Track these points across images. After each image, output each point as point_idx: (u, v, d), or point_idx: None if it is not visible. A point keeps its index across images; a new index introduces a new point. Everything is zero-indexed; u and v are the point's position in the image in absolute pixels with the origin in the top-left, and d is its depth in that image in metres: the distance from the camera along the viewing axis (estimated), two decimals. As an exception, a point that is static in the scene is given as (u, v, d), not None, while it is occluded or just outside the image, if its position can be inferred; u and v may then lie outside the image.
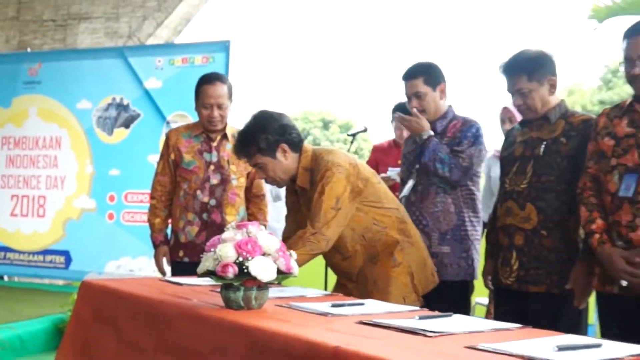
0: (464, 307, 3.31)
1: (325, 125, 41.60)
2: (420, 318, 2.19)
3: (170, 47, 7.80)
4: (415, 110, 3.42)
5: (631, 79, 2.70)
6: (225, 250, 2.32)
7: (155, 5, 8.55)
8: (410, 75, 3.48)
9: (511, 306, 3.01)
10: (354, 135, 5.22)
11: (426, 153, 3.34)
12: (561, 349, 1.72)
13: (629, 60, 2.67)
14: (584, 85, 34.52)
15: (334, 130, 40.81)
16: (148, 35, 8.55)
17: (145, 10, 8.59)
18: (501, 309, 3.11)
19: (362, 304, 2.52)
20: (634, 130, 2.65)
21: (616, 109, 2.82)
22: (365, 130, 5.45)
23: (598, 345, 1.80)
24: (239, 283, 2.31)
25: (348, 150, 4.73)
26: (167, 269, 3.95)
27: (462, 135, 3.39)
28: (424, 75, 3.45)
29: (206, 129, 3.87)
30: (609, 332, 2.65)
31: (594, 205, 2.75)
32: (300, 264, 2.67)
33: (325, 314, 2.27)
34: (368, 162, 4.75)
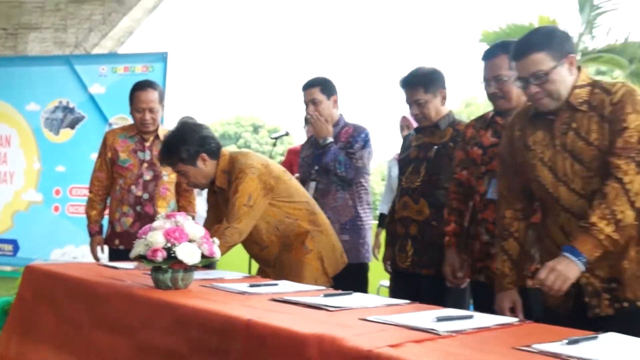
0: (363, 285, 3.43)
1: (256, 129, 41.45)
2: (325, 296, 2.24)
3: (113, 57, 7.70)
4: (317, 114, 3.55)
5: (490, 97, 2.79)
6: (155, 237, 2.33)
7: (101, 18, 8.41)
8: (308, 85, 3.65)
9: (406, 287, 3.08)
10: (276, 138, 5.26)
11: (328, 155, 3.49)
12: (440, 319, 1.80)
13: (486, 81, 2.74)
14: (479, 98, 35.36)
15: (264, 134, 40.71)
16: (93, 45, 8.40)
17: (91, 22, 8.44)
18: (397, 289, 3.19)
19: (276, 284, 2.56)
20: (497, 140, 2.70)
21: (480, 120, 2.89)
22: (287, 134, 5.48)
23: (471, 317, 1.89)
24: (167, 266, 2.32)
25: (272, 152, 4.77)
26: (102, 256, 3.92)
27: (353, 140, 3.56)
28: (320, 85, 3.62)
29: (140, 130, 3.86)
30: (481, 311, 2.75)
31: (454, 210, 2.86)
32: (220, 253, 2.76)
33: (242, 293, 2.30)
34: (283, 163, 4.81)
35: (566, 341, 1.55)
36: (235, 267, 3.39)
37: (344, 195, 3.54)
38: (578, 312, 2.19)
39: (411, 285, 3.06)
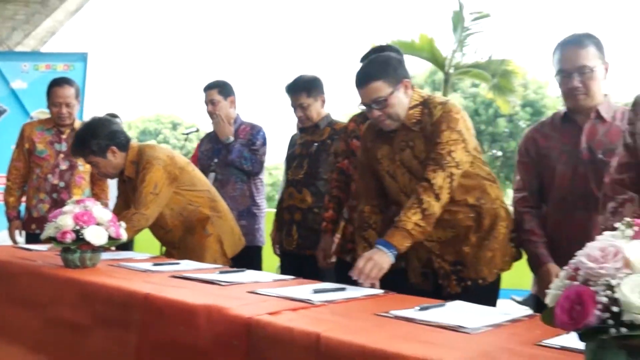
0: (258, 265, 3.47)
1: (174, 126, 40.44)
2: (220, 272, 2.26)
3: (35, 55, 7.35)
4: (219, 117, 3.60)
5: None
6: (64, 220, 2.28)
7: (24, 18, 8.01)
8: (208, 87, 3.69)
9: (293, 266, 3.14)
10: (187, 134, 5.20)
11: (233, 153, 3.53)
12: (316, 291, 1.86)
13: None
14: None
15: (182, 131, 39.90)
16: (17, 44, 8.00)
17: (14, 22, 8.02)
18: (286, 268, 3.24)
19: (178, 263, 2.55)
20: None
21: (361, 116, 2.89)
22: (197, 131, 5.43)
23: (343, 289, 1.96)
24: (76, 247, 2.27)
25: (183, 147, 4.70)
26: (20, 240, 3.77)
27: (254, 137, 3.60)
28: (218, 87, 3.67)
29: (57, 123, 3.75)
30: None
31: (334, 197, 2.89)
32: (128, 237, 2.70)
33: (145, 271, 2.28)
34: (193, 157, 4.77)
35: (418, 308, 1.64)
36: (150, 249, 3.33)
37: (242, 186, 3.58)
38: (437, 291, 2.29)
39: (297, 264, 3.11)
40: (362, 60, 2.72)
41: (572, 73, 2.11)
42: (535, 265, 2.24)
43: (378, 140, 2.33)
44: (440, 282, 2.30)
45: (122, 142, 2.94)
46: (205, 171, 3.60)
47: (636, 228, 1.02)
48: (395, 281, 2.43)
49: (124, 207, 3.01)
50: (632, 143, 1.73)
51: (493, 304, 2.25)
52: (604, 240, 1.02)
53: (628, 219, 1.04)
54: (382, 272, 2.01)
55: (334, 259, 2.90)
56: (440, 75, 13.74)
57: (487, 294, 2.25)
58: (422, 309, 1.64)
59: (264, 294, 1.83)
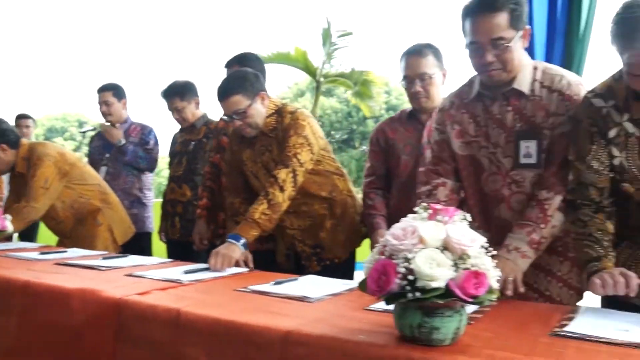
0: (148, 249, 3.37)
1: (81, 124, 38.19)
2: (103, 258, 2.17)
3: None
4: (108, 123, 3.46)
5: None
6: (-52, 214, 2.09)
7: None
8: (103, 89, 3.51)
9: (177, 252, 3.04)
10: (84, 132, 4.91)
11: (128, 154, 3.40)
12: (187, 272, 1.83)
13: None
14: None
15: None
16: None
17: None
18: (171, 254, 3.12)
19: (65, 251, 2.41)
20: None
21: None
22: (94, 129, 5.15)
23: (208, 269, 1.92)
24: (-40, 239, 2.09)
25: (80, 145, 4.46)
26: None
27: (146, 137, 3.49)
28: (113, 90, 3.51)
29: None
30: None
31: (207, 187, 2.82)
32: (18, 228, 2.61)
33: (31, 260, 2.15)
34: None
35: (273, 282, 1.67)
36: (53, 240, 3.11)
37: (132, 179, 3.46)
38: (301, 270, 2.32)
39: (181, 250, 3.03)
40: (227, 65, 2.71)
41: (414, 79, 2.14)
42: (370, 232, 2.30)
43: (242, 144, 2.34)
44: (303, 263, 2.36)
45: (12, 139, 2.75)
46: (97, 166, 3.46)
47: (431, 211, 1.09)
48: (266, 261, 2.47)
49: (16, 201, 2.81)
50: (440, 140, 1.82)
51: (350, 277, 2.33)
52: (406, 221, 1.09)
53: (425, 204, 1.11)
54: (233, 261, 1.98)
55: (205, 242, 2.85)
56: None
57: (344, 270, 2.34)
58: (276, 283, 1.66)
59: (139, 276, 1.79)
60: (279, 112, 2.25)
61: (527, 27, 1.58)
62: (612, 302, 1.62)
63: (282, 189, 2.10)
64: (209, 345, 1.25)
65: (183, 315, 1.32)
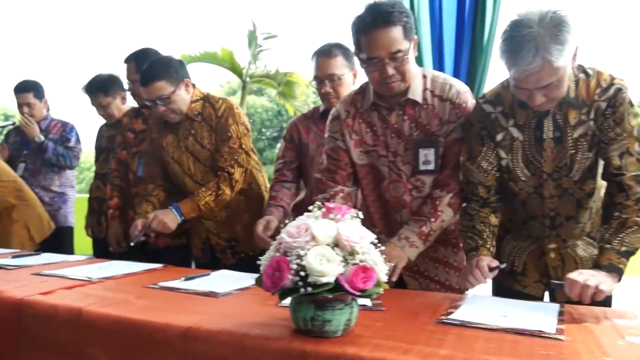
0: (70, 243, 3.24)
1: (7, 118, 36.00)
2: (13, 257, 2.05)
3: None
4: (28, 117, 3.29)
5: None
6: None
7: None
8: (22, 90, 3.36)
9: (103, 250, 2.80)
10: (3, 127, 4.62)
11: (48, 151, 3.25)
12: (100, 268, 1.77)
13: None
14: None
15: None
16: None
17: None
18: (97, 252, 2.96)
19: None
20: (146, 126, 2.56)
21: (134, 111, 2.71)
22: (14, 124, 4.86)
23: (127, 265, 1.88)
24: None
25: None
26: None
27: (67, 134, 3.36)
28: (34, 91, 3.37)
29: None
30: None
31: (116, 186, 2.68)
32: None
33: None
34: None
35: (184, 278, 1.63)
36: None
37: (52, 175, 3.32)
38: (215, 263, 2.29)
39: (107, 248, 2.90)
40: (126, 60, 2.59)
41: (324, 80, 2.07)
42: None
43: (164, 131, 2.28)
44: (218, 256, 2.32)
45: None
46: (15, 162, 3.27)
47: (324, 210, 1.10)
48: (181, 256, 2.42)
49: None
50: (335, 147, 1.77)
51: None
52: (300, 219, 1.10)
53: (319, 203, 1.12)
54: (167, 229, 2.08)
55: (124, 244, 2.71)
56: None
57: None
58: (187, 279, 1.63)
59: (47, 274, 1.70)
60: (206, 99, 2.24)
61: (415, 37, 1.61)
62: (500, 290, 1.72)
63: (232, 189, 2.17)
64: (110, 344, 1.21)
65: (85, 314, 1.26)
